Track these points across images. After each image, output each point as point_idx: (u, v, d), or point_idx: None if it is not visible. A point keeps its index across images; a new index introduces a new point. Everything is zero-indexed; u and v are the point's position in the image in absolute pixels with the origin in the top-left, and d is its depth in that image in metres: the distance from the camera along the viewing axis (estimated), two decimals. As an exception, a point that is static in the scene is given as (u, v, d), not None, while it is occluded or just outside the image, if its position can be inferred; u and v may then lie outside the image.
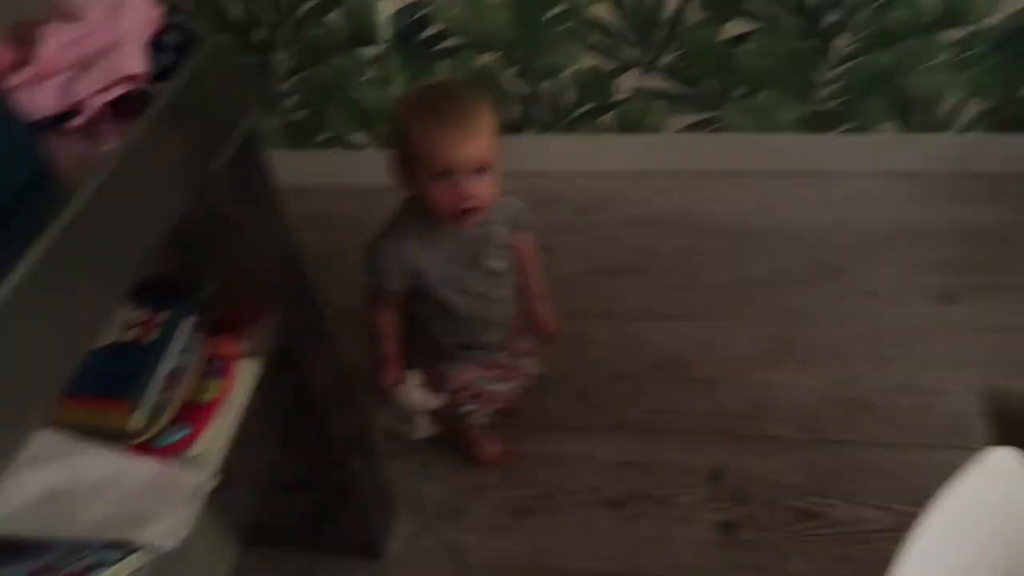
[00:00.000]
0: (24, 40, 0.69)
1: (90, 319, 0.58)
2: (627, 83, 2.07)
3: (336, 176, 2.28)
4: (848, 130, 2.08)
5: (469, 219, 1.11)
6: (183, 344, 0.87)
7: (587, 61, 2.04)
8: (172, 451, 0.82)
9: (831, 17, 1.87)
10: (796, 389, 1.60)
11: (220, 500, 1.18)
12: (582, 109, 2.14)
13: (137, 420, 0.80)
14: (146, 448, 0.82)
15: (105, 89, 0.67)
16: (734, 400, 1.59)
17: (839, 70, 1.96)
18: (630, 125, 2.16)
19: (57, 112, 0.65)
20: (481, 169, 1.06)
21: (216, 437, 0.87)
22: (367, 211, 2.18)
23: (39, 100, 0.65)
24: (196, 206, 0.75)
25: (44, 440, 0.79)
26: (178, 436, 0.83)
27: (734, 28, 1.93)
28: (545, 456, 1.52)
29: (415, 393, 1.29)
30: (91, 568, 0.68)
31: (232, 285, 0.90)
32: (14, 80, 0.65)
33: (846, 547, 1.33)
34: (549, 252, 1.99)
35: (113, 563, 0.70)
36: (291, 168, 2.29)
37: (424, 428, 1.36)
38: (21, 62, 0.67)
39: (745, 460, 1.48)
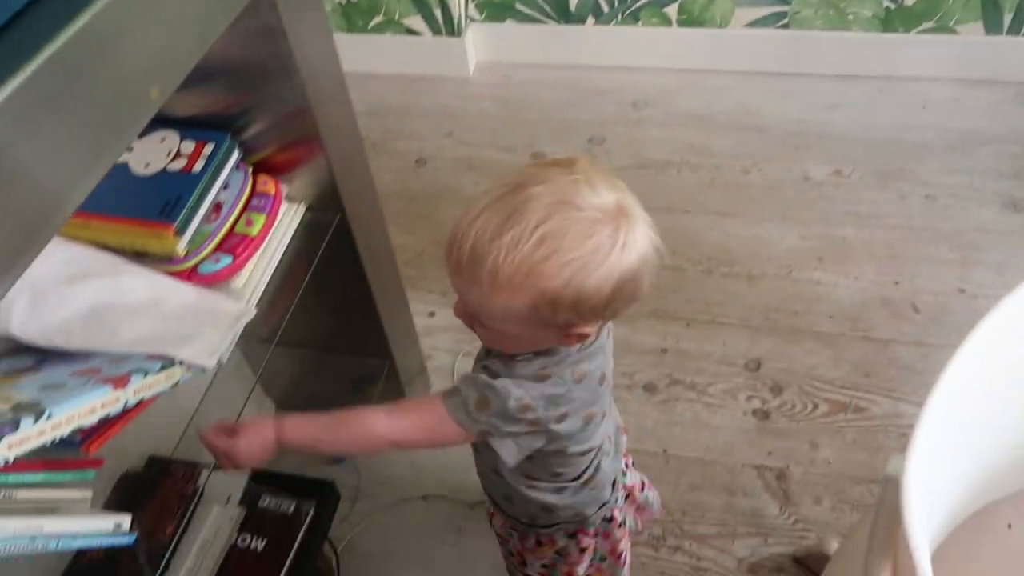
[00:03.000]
0: None
1: (121, 122, 0.58)
2: (693, -30, 1.98)
3: (388, 63, 2.25)
4: (926, 30, 1.96)
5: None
6: (227, 177, 0.88)
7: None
8: (214, 279, 0.84)
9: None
10: (844, 288, 1.56)
11: (258, 355, 1.21)
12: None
13: (181, 245, 0.82)
14: (189, 275, 0.84)
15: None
16: (779, 296, 1.56)
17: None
18: (694, 19, 2.07)
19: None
20: (468, 313, 0.74)
21: (259, 272, 0.88)
22: (416, 100, 2.17)
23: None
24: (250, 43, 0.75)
25: (91, 258, 0.81)
26: (220, 265, 0.84)
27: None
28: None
29: None
30: (131, 374, 0.70)
31: (280, 127, 0.90)
32: None
33: (882, 439, 1.33)
34: (598, 144, 1.96)
35: (153, 372, 0.72)
36: (342, 53, 2.30)
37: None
38: None
39: (785, 353, 1.46)
